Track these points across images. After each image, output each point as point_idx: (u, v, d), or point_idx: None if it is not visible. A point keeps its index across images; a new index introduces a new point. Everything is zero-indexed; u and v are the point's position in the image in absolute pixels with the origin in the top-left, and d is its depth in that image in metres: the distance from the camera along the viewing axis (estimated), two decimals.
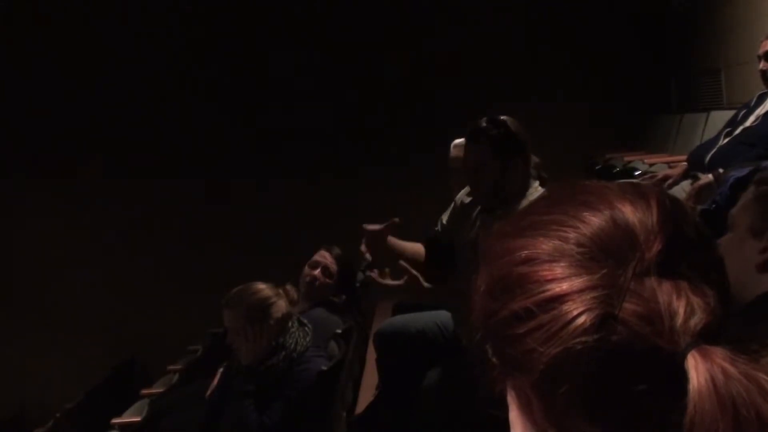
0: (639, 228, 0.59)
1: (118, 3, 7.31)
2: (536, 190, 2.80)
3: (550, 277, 0.58)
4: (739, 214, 1.67)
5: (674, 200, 0.63)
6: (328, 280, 3.94)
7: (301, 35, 7.22)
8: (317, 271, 3.91)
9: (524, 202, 2.69)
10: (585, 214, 0.60)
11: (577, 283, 0.57)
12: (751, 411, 0.53)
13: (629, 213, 0.60)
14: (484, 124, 2.79)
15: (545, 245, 0.60)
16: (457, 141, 3.68)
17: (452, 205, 3.15)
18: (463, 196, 3.08)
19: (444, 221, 3.16)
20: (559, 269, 0.58)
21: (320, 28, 7.23)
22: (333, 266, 3.96)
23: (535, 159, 3.07)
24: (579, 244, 0.59)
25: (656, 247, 0.58)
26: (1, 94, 7.16)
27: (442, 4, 7.22)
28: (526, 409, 0.61)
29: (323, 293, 3.90)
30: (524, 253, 0.60)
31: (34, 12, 7.20)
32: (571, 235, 0.59)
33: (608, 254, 0.58)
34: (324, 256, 3.98)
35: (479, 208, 2.93)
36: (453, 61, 7.13)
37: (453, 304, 3.06)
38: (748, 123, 3.74)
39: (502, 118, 2.82)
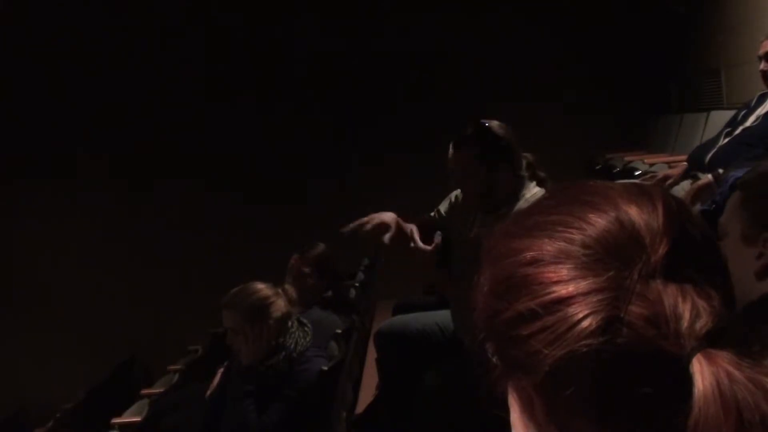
0: (645, 230, 0.59)
1: (111, 4, 7.31)
2: (532, 189, 2.81)
3: (555, 279, 0.57)
4: (729, 222, 1.62)
5: (679, 202, 0.62)
6: (309, 281, 3.95)
7: (304, 40, 7.22)
8: (293, 279, 3.92)
9: (521, 203, 2.70)
10: (590, 215, 0.60)
11: (582, 285, 0.57)
12: (756, 415, 0.53)
13: (635, 214, 0.60)
14: (468, 131, 2.82)
15: (550, 246, 0.59)
16: None
17: (451, 197, 3.16)
18: (460, 192, 3.09)
19: (442, 211, 3.17)
20: (564, 271, 0.58)
21: (322, 31, 7.24)
22: (305, 268, 3.97)
23: (528, 157, 3.08)
24: (584, 246, 0.58)
25: (662, 249, 0.58)
26: (1, 95, 7.16)
27: (445, 4, 7.22)
28: (528, 411, 0.61)
29: (312, 295, 3.91)
30: (529, 254, 0.60)
31: (32, 10, 7.19)
32: (577, 236, 0.59)
33: (614, 256, 0.58)
34: (294, 262, 3.99)
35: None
36: (455, 61, 7.13)
37: (453, 303, 3.07)
38: (748, 123, 3.74)
39: (486, 123, 2.84)
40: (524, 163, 2.97)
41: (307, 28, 7.21)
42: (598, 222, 0.59)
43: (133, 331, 6.97)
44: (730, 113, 4.16)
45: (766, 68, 3.76)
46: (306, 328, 3.20)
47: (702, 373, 0.54)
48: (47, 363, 7.00)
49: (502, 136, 2.81)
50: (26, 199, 7.30)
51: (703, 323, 0.56)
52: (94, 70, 7.20)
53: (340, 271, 4.27)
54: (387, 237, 2.89)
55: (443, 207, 3.19)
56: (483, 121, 2.86)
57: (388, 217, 2.94)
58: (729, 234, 1.61)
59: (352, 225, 2.92)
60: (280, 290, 3.16)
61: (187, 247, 7.16)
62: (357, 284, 4.44)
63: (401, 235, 2.93)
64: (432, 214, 3.20)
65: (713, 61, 6.15)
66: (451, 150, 3.57)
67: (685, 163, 4.02)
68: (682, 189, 3.42)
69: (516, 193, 2.78)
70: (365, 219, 2.94)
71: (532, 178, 2.99)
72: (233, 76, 7.26)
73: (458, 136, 2.86)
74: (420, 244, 2.86)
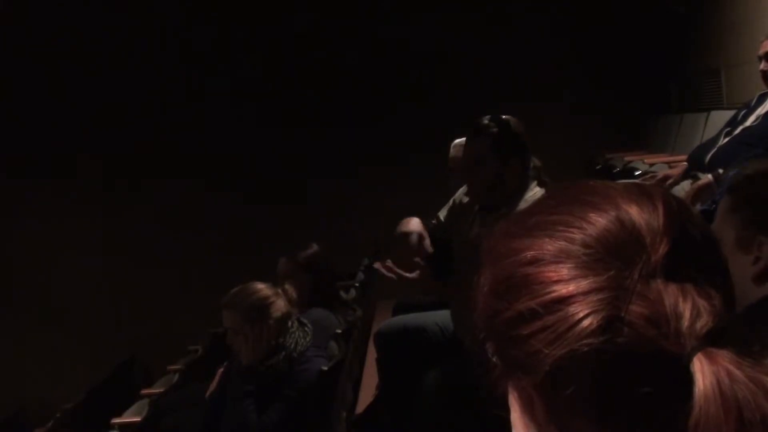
0: (645, 229, 0.59)
1: (111, 4, 7.31)
2: (534, 191, 2.81)
3: (556, 278, 0.57)
4: (722, 228, 1.60)
5: (680, 202, 0.62)
6: (301, 283, 3.93)
7: (304, 40, 7.22)
8: (286, 284, 3.90)
9: (522, 203, 2.70)
10: (591, 214, 0.60)
11: (583, 284, 0.56)
12: (756, 414, 0.53)
13: (635, 214, 0.60)
14: (486, 121, 2.82)
15: (551, 246, 0.59)
16: (457, 141, 3.69)
17: (450, 202, 3.17)
18: (461, 195, 3.09)
19: (441, 218, 3.17)
20: (565, 270, 0.57)
21: (321, 31, 7.24)
22: (296, 272, 3.94)
23: (536, 162, 3.08)
24: (585, 245, 0.58)
25: (663, 248, 0.58)
26: (1, 95, 7.16)
27: (445, 4, 7.22)
28: (529, 410, 0.60)
29: (308, 296, 3.89)
30: (530, 253, 0.60)
31: (32, 10, 7.19)
32: (577, 236, 0.59)
33: (614, 256, 0.57)
34: (281, 266, 3.97)
35: (478, 207, 2.95)
36: (455, 61, 7.13)
37: (453, 303, 3.07)
38: (748, 123, 3.74)
39: (505, 117, 2.86)
40: (532, 165, 2.97)
41: (307, 28, 7.21)
42: (599, 221, 0.59)
43: (133, 331, 6.97)
44: (730, 113, 4.16)
45: (766, 68, 3.76)
46: (306, 328, 3.20)
47: (703, 372, 0.54)
48: (47, 363, 7.01)
49: (519, 134, 2.83)
50: (26, 199, 7.30)
51: (703, 323, 0.56)
52: (94, 70, 7.20)
53: (338, 271, 4.26)
54: (426, 243, 2.90)
55: (442, 213, 3.19)
56: (502, 115, 2.89)
57: (414, 225, 2.96)
58: (722, 239, 1.59)
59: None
60: (280, 290, 3.17)
61: (187, 247, 7.16)
62: (357, 284, 4.43)
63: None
64: (433, 221, 3.21)
65: (713, 61, 6.15)
66: (458, 141, 3.58)
67: (685, 163, 4.02)
68: (682, 189, 3.42)
69: (519, 193, 2.79)
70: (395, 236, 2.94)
71: (535, 180, 2.99)
72: (233, 76, 7.26)
73: (477, 124, 2.86)
74: (402, 273, 2.84)
